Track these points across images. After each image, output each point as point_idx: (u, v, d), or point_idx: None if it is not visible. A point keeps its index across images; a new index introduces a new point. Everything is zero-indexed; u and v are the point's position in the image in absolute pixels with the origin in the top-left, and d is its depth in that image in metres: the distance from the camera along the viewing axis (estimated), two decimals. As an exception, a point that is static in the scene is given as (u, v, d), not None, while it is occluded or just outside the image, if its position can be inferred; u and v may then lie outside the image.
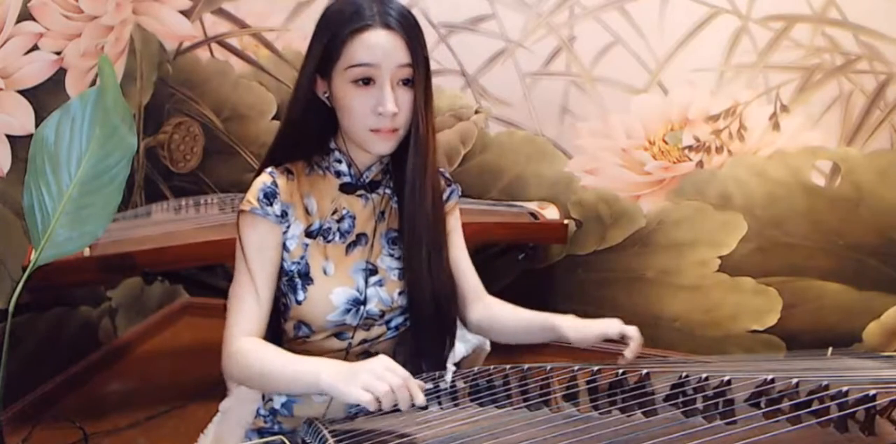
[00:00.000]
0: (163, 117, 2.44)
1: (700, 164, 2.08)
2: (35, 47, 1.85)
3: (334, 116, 1.00)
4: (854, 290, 2.06)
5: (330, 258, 1.04)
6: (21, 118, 1.84)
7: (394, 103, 0.94)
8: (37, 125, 1.81)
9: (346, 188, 1.06)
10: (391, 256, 1.08)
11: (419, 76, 0.96)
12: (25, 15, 1.81)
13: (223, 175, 2.45)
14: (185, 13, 2.31)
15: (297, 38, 2.25)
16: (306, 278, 1.03)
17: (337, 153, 1.05)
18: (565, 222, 2.06)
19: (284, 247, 1.02)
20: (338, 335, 1.07)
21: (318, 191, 1.05)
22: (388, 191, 1.09)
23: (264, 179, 1.01)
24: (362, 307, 1.04)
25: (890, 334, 2.06)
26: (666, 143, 2.08)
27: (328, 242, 1.04)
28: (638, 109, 2.07)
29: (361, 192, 1.06)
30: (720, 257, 2.13)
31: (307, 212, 1.03)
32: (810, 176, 2.00)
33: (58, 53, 1.93)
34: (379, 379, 0.81)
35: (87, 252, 1.71)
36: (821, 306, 2.10)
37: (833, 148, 1.97)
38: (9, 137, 1.81)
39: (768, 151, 2.02)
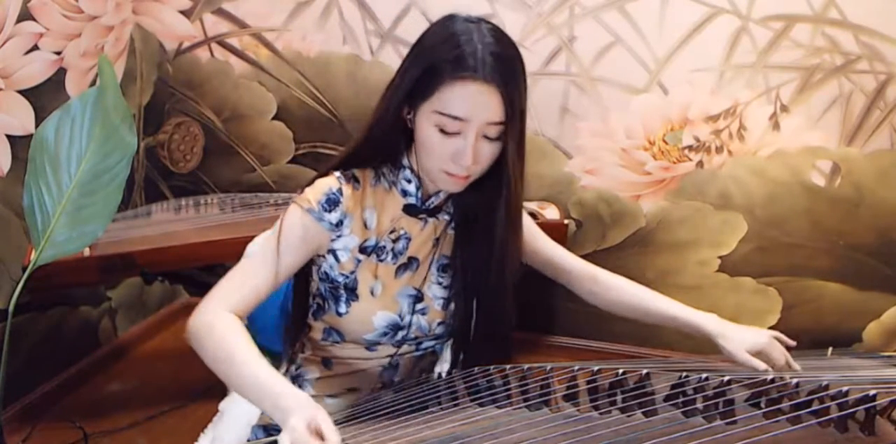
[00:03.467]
0: (163, 117, 2.44)
1: (700, 164, 2.07)
2: (35, 47, 1.85)
3: (411, 133, 0.97)
4: (854, 290, 2.06)
5: (379, 279, 1.01)
6: (21, 118, 1.84)
7: (472, 157, 0.90)
8: (37, 125, 1.81)
9: (409, 210, 1.02)
10: (439, 284, 1.05)
11: (513, 130, 0.92)
12: (25, 15, 1.81)
13: (223, 175, 2.45)
14: (185, 13, 2.30)
15: (297, 38, 2.24)
16: (352, 293, 1.01)
17: (408, 172, 1.01)
18: (565, 221, 2.06)
19: (334, 255, 1.00)
20: (367, 347, 1.06)
21: (380, 206, 1.01)
22: (447, 217, 1.05)
23: (331, 184, 0.98)
24: (401, 332, 1.03)
25: (890, 334, 2.06)
26: (666, 143, 2.08)
27: (381, 261, 1.02)
28: (638, 109, 2.07)
29: (423, 215, 1.03)
30: (720, 257, 2.13)
31: (365, 226, 1.00)
32: (810, 176, 2.00)
33: (58, 53, 1.93)
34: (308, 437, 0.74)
35: (87, 252, 1.71)
36: (821, 306, 2.10)
37: (833, 148, 1.97)
38: (9, 137, 1.80)
39: (768, 151, 2.01)
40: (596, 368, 0.93)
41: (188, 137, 2.45)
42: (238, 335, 0.89)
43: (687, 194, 2.10)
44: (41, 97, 1.87)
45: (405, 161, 1.01)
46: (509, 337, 1.10)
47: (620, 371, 0.91)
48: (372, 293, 1.01)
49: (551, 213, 2.08)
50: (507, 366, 0.98)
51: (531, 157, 2.19)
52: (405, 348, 1.07)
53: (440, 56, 0.89)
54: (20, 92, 1.83)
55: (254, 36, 2.29)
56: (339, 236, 0.99)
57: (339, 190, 0.97)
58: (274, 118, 2.35)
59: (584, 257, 2.21)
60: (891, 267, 2.01)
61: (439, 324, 1.05)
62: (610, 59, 2.04)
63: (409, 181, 1.01)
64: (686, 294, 2.18)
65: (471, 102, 0.88)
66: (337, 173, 0.99)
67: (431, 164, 0.94)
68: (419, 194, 1.02)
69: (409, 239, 1.03)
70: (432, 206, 1.03)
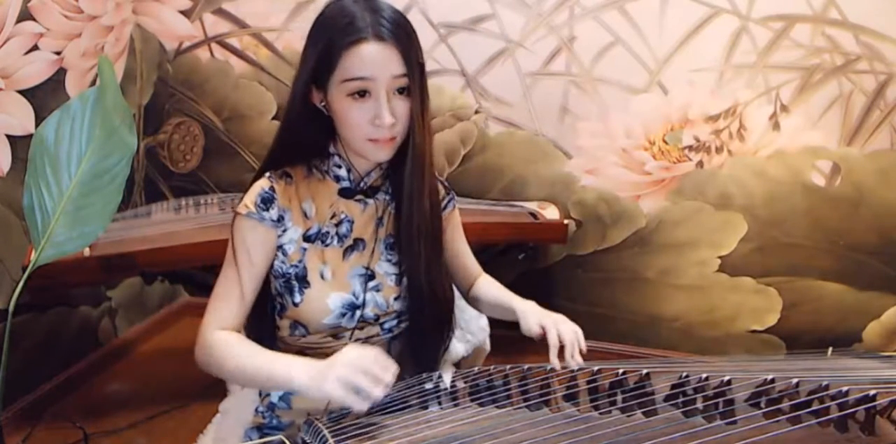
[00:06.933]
0: (163, 117, 2.44)
1: (700, 164, 2.07)
2: (35, 47, 1.85)
3: (332, 121, 1.01)
4: (854, 290, 2.06)
5: (328, 263, 1.05)
6: (21, 118, 1.84)
7: (390, 115, 0.95)
8: (37, 125, 1.81)
9: (345, 193, 1.07)
10: (389, 261, 1.09)
11: (414, 84, 0.96)
12: (25, 15, 1.81)
13: (223, 175, 2.45)
14: (185, 13, 2.30)
15: (297, 38, 2.24)
16: (303, 281, 1.04)
17: (336, 158, 1.05)
18: (565, 221, 2.06)
19: (282, 250, 1.03)
20: (333, 335, 1.07)
21: (316, 195, 1.06)
22: (387, 197, 1.09)
23: (263, 185, 1.03)
24: (358, 311, 1.05)
25: (890, 334, 2.06)
26: (666, 143, 2.08)
27: (326, 246, 1.05)
28: (638, 109, 2.07)
29: (360, 197, 1.07)
30: (720, 257, 2.13)
31: (305, 216, 1.04)
32: (810, 176, 2.00)
33: (58, 53, 1.93)
34: (357, 374, 0.83)
35: (87, 252, 1.71)
36: (821, 306, 2.10)
37: (833, 148, 1.97)
38: (9, 137, 1.81)
39: (768, 151, 2.01)
40: (596, 368, 0.94)
41: (188, 137, 2.45)
42: (235, 347, 0.97)
43: (687, 194, 2.10)
44: (41, 97, 1.87)
45: (332, 149, 1.05)
46: (449, 312, 1.12)
47: (620, 371, 0.91)
48: (322, 277, 1.04)
49: (551, 213, 2.08)
50: (507, 366, 0.98)
51: (531, 157, 2.21)
52: (369, 329, 1.09)
53: (333, 30, 0.94)
54: (20, 92, 1.83)
55: (254, 36, 2.29)
56: (284, 231, 1.03)
57: (272, 188, 1.02)
58: (274, 118, 2.35)
59: (585, 257, 2.23)
60: (891, 267, 2.01)
61: (396, 299, 1.08)
62: (610, 59, 2.04)
63: (339, 166, 1.06)
64: (686, 294, 2.19)
65: (370, 61, 0.93)
66: (268, 173, 1.04)
67: (355, 134, 0.98)
68: (351, 177, 1.06)
69: (351, 222, 1.07)
70: (366, 186, 1.07)
